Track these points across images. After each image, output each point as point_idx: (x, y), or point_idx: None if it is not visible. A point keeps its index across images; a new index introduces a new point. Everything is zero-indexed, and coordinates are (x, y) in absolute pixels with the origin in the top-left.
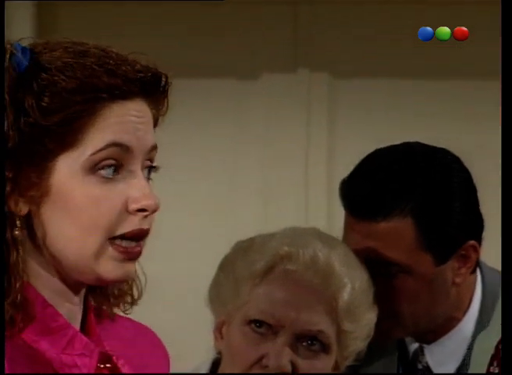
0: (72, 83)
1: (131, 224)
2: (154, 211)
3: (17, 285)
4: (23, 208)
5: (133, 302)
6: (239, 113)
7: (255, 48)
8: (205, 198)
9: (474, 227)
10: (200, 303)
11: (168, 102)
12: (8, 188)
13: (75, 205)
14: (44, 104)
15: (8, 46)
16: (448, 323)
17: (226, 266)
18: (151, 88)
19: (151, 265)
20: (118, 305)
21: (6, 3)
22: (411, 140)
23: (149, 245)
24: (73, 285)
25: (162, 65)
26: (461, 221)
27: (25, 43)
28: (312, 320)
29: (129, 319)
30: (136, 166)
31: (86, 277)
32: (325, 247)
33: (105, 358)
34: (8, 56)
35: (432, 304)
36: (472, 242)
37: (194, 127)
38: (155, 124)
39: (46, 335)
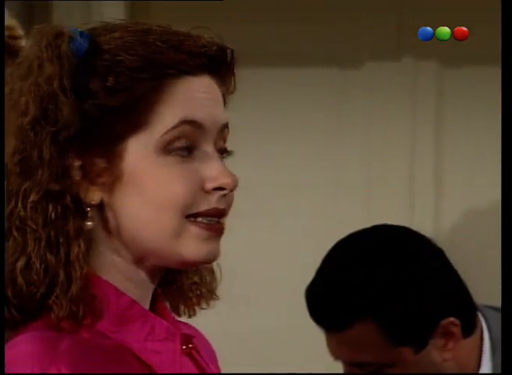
0: (136, 61)
1: (207, 203)
2: (233, 189)
3: (78, 279)
4: (95, 197)
5: (213, 297)
6: (340, 104)
7: (357, 35)
8: (306, 192)
9: (446, 305)
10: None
11: (235, 79)
12: (77, 177)
13: (149, 188)
14: (109, 84)
15: (66, 31)
16: None
17: None
18: (217, 63)
19: (251, 262)
20: (197, 303)
21: (98, 2)
22: None
23: (251, 241)
24: (150, 271)
25: (261, 53)
26: (426, 306)
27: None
28: None
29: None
30: (210, 147)
31: (168, 260)
32: None
33: (187, 338)
34: (67, 42)
35: None
36: (447, 320)
37: (294, 119)
38: (224, 103)
39: (125, 324)
